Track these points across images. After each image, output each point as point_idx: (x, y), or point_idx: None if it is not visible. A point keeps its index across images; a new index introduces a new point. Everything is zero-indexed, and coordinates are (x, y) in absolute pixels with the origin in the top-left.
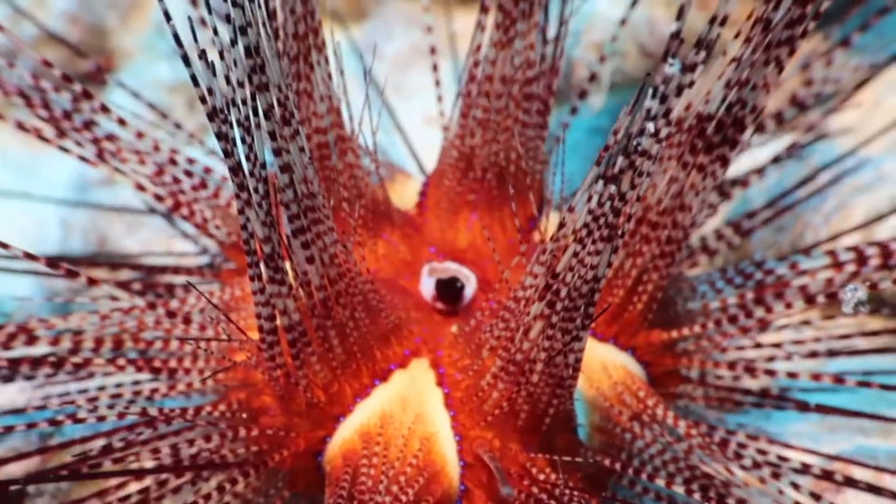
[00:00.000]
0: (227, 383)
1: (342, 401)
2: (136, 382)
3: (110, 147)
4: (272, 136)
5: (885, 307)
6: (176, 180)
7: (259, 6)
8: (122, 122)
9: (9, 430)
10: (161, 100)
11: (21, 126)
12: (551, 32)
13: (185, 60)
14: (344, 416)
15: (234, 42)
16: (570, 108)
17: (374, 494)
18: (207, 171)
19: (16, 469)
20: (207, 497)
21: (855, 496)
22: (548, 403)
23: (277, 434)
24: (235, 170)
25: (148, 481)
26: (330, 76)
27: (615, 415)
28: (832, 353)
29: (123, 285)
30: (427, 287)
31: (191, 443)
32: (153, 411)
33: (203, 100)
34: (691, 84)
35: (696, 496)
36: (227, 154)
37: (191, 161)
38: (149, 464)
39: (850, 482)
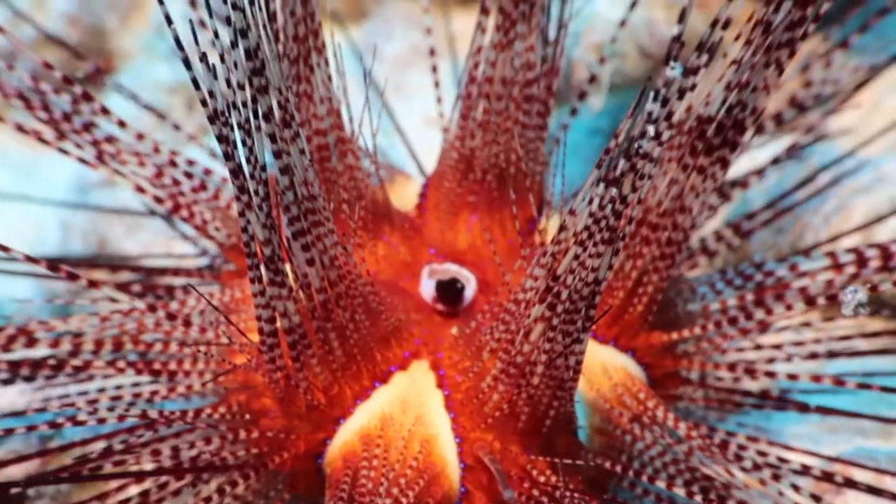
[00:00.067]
0: (227, 385)
1: (342, 403)
2: (136, 385)
3: (110, 149)
4: (272, 138)
5: (885, 309)
6: (176, 182)
7: (259, 8)
8: (122, 123)
9: (9, 432)
10: (160, 101)
11: (21, 128)
12: (551, 34)
13: (186, 63)
14: (344, 419)
15: (234, 44)
16: (570, 110)
17: (374, 497)
18: (207, 172)
19: (16, 471)
20: (208, 499)
21: (855, 498)
22: (548, 405)
23: (277, 436)
24: (236, 172)
25: (148, 483)
26: (330, 78)
27: (615, 417)
28: (832, 355)
29: (123, 287)
30: (427, 289)
31: (191, 445)
32: (153, 414)
33: (204, 103)
34: (693, 87)
35: (697, 498)
36: (228, 157)
37: (190, 163)
38: (149, 466)
39: (851, 484)
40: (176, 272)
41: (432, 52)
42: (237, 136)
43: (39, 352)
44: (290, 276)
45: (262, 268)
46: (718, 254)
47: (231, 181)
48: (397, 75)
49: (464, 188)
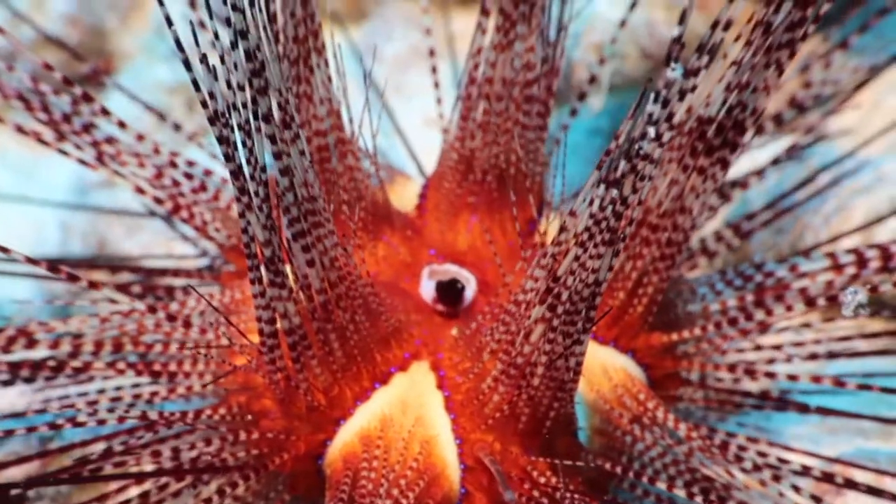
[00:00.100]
0: (227, 386)
1: (342, 404)
2: (136, 386)
3: (110, 150)
4: (272, 139)
5: (885, 310)
6: (175, 183)
7: (259, 10)
8: (122, 124)
9: (9, 433)
10: (160, 101)
11: (21, 129)
12: (551, 35)
13: (187, 65)
14: (344, 420)
15: (234, 46)
16: (570, 110)
17: (374, 498)
18: (207, 173)
19: (16, 473)
20: (208, 501)
21: (855, 498)
22: (549, 407)
23: (278, 437)
24: (236, 174)
25: (148, 485)
26: (330, 79)
27: (616, 417)
28: (832, 356)
29: (123, 288)
30: (427, 289)
31: (191, 446)
32: (153, 415)
33: (204, 104)
34: (693, 88)
35: (698, 499)
36: (228, 158)
37: (190, 164)
38: (149, 467)
39: (851, 484)
40: (176, 273)
41: (432, 53)
42: (237, 137)
43: (39, 353)
44: (291, 277)
45: (263, 269)
46: (718, 254)
47: (231, 182)
48: (397, 76)
49: (464, 189)
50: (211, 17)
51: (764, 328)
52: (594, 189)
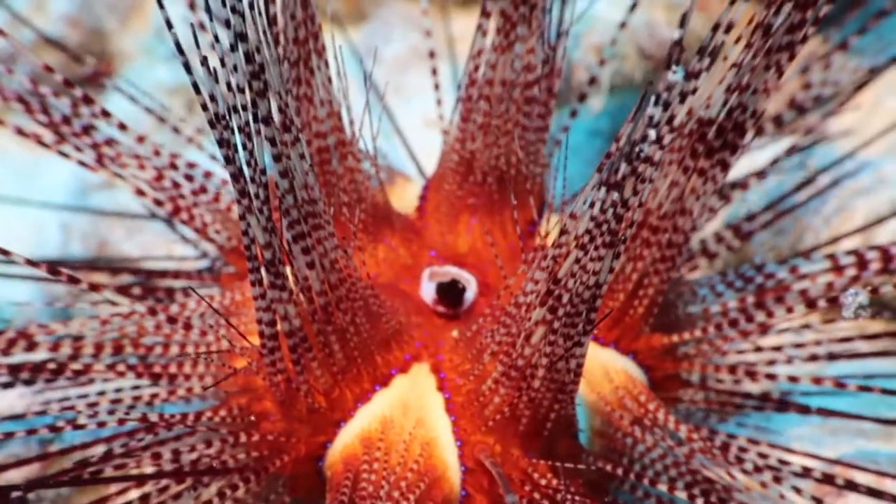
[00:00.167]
0: (227, 389)
1: (343, 406)
2: (136, 388)
3: (110, 152)
4: (272, 141)
5: (886, 311)
6: (176, 185)
7: (259, 13)
8: (122, 126)
9: (9, 436)
10: (160, 103)
11: (21, 131)
12: (552, 37)
13: (187, 68)
14: (345, 422)
15: (234, 48)
16: (570, 111)
17: (375, 500)
18: (207, 175)
19: (16, 475)
20: (208, 503)
21: (856, 500)
22: (549, 408)
23: (278, 439)
24: (237, 176)
25: (148, 487)
26: (330, 80)
27: (616, 419)
28: (833, 357)
29: (123, 290)
30: (428, 291)
31: (191, 448)
32: (153, 417)
33: (204, 107)
34: (694, 91)
35: (699, 501)
36: (229, 160)
37: (190, 165)
38: (149, 470)
39: (852, 486)
40: (176, 275)
41: (432, 55)
42: (237, 139)
43: (39, 355)
44: (291, 279)
45: (263, 271)
46: (718, 255)
47: (232, 185)
48: (397, 77)
49: (464, 190)
50: (211, 20)
51: (764, 329)
52: (595, 191)
